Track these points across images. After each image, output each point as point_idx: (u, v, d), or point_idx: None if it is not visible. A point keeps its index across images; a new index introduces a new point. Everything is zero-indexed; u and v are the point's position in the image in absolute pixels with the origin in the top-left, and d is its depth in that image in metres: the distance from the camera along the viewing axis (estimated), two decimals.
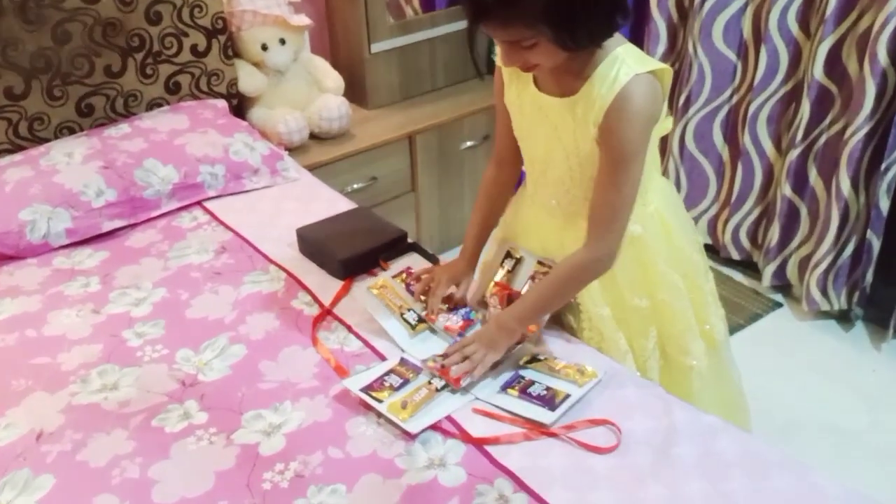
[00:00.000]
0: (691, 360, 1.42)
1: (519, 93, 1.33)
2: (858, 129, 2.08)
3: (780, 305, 2.49)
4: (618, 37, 1.20)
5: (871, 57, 2.00)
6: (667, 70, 1.21)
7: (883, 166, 2.08)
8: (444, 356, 1.32)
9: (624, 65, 1.17)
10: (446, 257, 2.70)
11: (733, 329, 2.35)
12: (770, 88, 2.31)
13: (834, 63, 2.14)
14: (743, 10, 2.31)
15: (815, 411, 2.08)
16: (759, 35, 2.29)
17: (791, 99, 2.31)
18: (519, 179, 1.51)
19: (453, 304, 1.43)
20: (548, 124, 1.29)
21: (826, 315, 2.40)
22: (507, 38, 1.15)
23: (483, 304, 1.45)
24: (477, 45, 1.26)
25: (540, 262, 1.40)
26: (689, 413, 1.22)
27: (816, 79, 2.16)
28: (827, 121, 2.21)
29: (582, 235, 1.29)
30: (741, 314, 2.43)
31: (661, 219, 1.39)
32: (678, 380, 1.43)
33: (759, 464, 1.13)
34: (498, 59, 1.29)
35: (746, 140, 2.40)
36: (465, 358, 1.29)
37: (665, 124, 1.29)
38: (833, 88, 2.17)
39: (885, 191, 2.11)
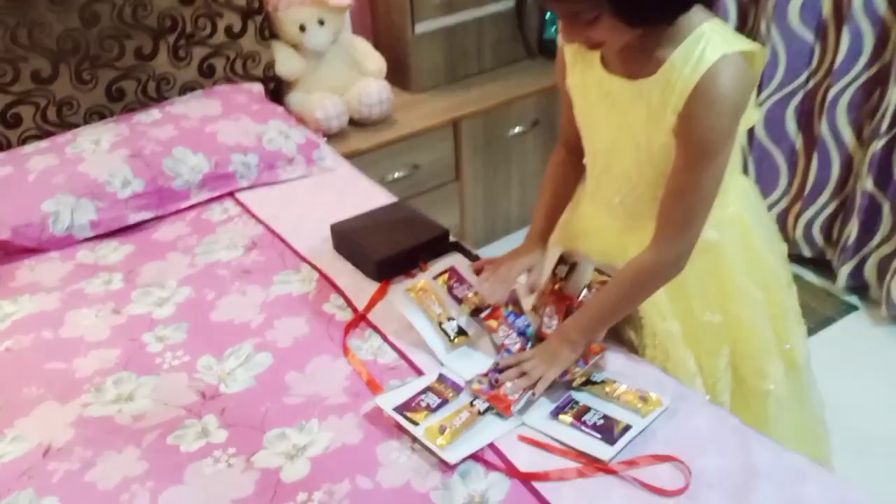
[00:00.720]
0: (768, 383, 1.26)
1: (583, 75, 1.17)
2: None
3: (855, 309, 2.29)
4: (702, 11, 1.03)
5: None
6: (760, 51, 1.04)
7: None
8: (497, 370, 1.18)
9: (710, 43, 1.01)
10: (491, 251, 2.58)
11: None
12: (852, 73, 2.10)
13: None
14: None
15: (891, 425, 1.90)
16: (840, 14, 2.07)
17: (875, 85, 2.09)
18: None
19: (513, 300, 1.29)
20: (615, 111, 1.13)
21: None
22: (565, 10, 1.00)
23: (532, 313, 1.30)
24: (528, 20, 1.10)
25: (598, 270, 1.24)
26: (771, 451, 1.06)
27: None
28: None
29: (648, 239, 1.13)
30: (811, 317, 2.23)
31: (742, 223, 1.22)
32: (752, 405, 1.27)
33: None
34: (559, 36, 1.13)
35: (824, 128, 2.19)
36: (523, 374, 1.15)
37: (752, 115, 1.11)
38: None
39: None
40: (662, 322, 1.22)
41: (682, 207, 1.08)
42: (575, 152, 1.29)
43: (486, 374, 1.20)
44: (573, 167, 1.31)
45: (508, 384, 1.15)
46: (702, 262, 1.16)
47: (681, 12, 1.01)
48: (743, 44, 1.02)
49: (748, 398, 1.28)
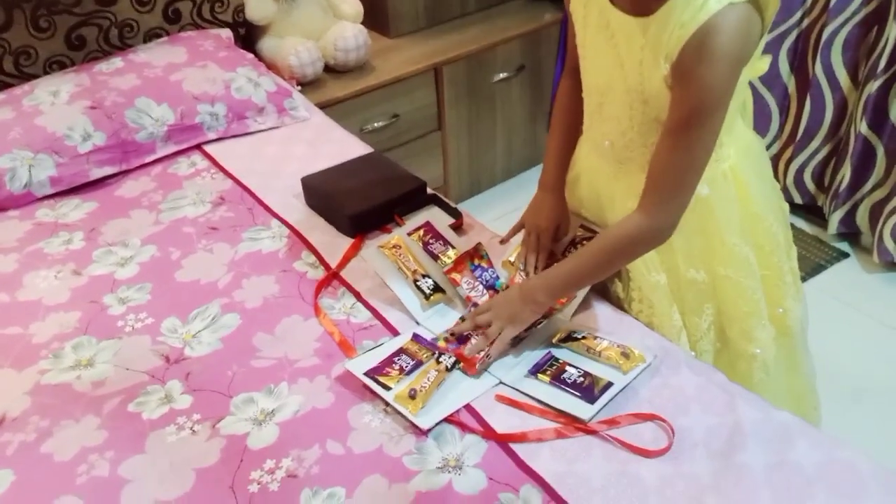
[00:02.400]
0: (754, 347, 1.21)
1: (586, 1, 1.08)
2: None
3: (846, 256, 2.25)
4: None
5: None
6: (771, 0, 0.95)
7: None
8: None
9: None
10: (475, 204, 2.50)
11: None
12: (849, 9, 2.01)
13: None
14: None
15: (888, 373, 1.88)
16: None
17: (873, 22, 2.00)
18: None
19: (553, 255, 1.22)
20: (611, 46, 1.05)
21: None
22: None
23: (508, 264, 1.25)
24: None
25: (583, 227, 1.18)
26: (759, 409, 1.01)
27: None
28: None
29: (637, 188, 1.06)
30: (802, 265, 2.13)
31: (738, 179, 1.15)
32: (738, 368, 1.22)
33: (849, 477, 0.92)
34: None
35: (818, 69, 2.11)
36: (477, 328, 1.10)
37: (760, 64, 1.04)
38: None
39: None
40: (649, 274, 1.16)
41: (671, 171, 1.01)
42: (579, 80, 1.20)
43: (452, 333, 1.15)
44: (580, 97, 1.21)
45: (468, 346, 1.09)
46: (689, 217, 1.08)
47: None
48: None
49: (734, 361, 1.23)
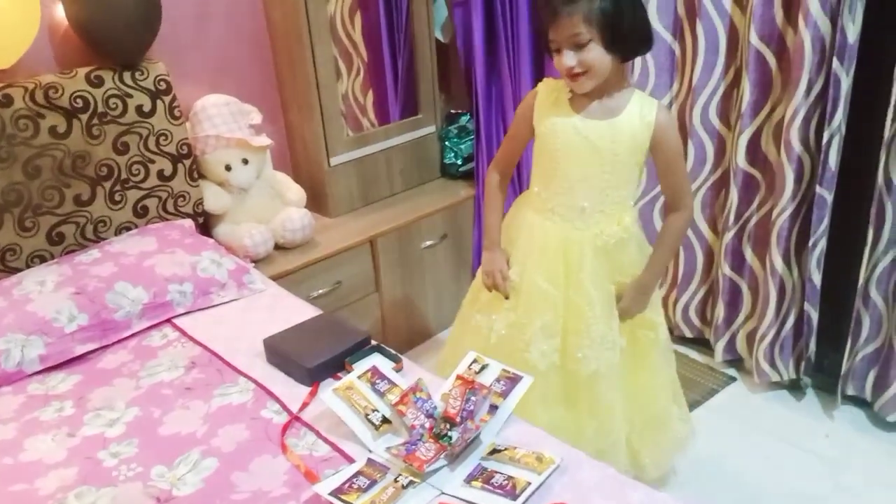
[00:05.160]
0: (655, 333, 1.90)
1: (556, 120, 1.73)
2: (783, 209, 2.26)
3: (734, 380, 2.59)
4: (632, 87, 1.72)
5: (787, 144, 2.19)
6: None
7: (810, 242, 2.25)
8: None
9: (646, 99, 1.70)
10: (415, 354, 2.78)
11: (692, 405, 2.45)
12: (701, 177, 2.50)
13: (755, 151, 2.33)
14: (668, 108, 2.52)
15: (780, 479, 2.15)
16: (685, 130, 2.49)
17: (721, 186, 2.49)
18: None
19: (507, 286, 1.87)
20: (587, 142, 1.70)
21: (778, 385, 2.51)
22: (569, 31, 1.55)
23: (445, 397, 1.53)
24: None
25: (504, 370, 1.52)
26: (642, 492, 1.30)
27: (741, 166, 2.34)
28: (755, 204, 2.39)
29: (598, 235, 1.77)
30: (698, 390, 2.52)
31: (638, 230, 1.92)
32: (642, 350, 1.91)
33: None
34: (539, 94, 1.78)
35: None
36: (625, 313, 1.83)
37: None
38: (757, 174, 2.36)
39: (815, 265, 2.27)
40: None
41: (683, 180, 1.80)
42: (507, 177, 1.93)
43: (403, 444, 1.41)
44: (503, 187, 1.92)
45: (422, 447, 1.36)
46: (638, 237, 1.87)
47: (637, 54, 1.69)
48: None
49: (639, 346, 1.91)
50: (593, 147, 1.70)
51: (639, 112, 1.68)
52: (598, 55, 1.57)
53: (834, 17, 2.03)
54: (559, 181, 1.77)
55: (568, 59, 1.58)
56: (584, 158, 1.72)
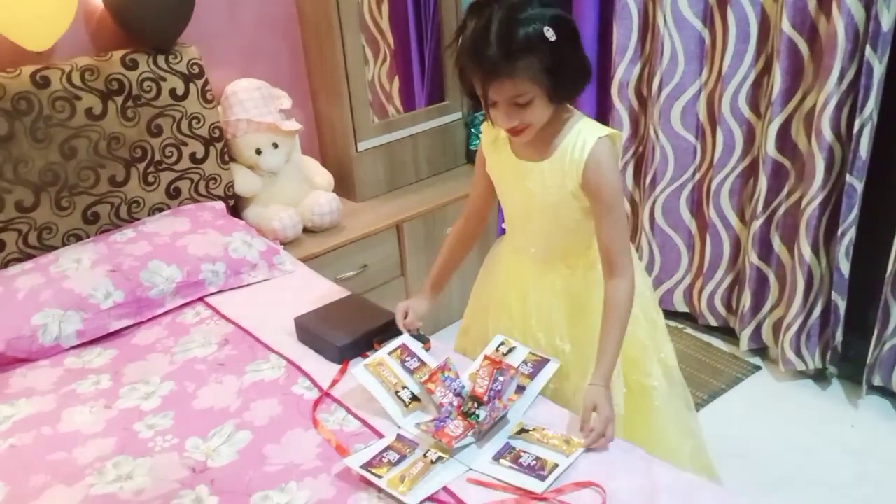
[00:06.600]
0: (653, 381, 1.63)
1: (498, 160, 1.58)
2: (813, 198, 2.25)
3: (758, 368, 2.59)
4: (577, 112, 1.48)
5: (818, 133, 2.18)
6: (618, 133, 1.50)
7: (839, 231, 2.24)
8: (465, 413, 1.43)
9: (586, 132, 1.44)
10: (438, 337, 2.81)
11: (716, 393, 2.45)
12: (729, 165, 2.49)
13: (785, 140, 2.32)
14: (697, 95, 2.51)
15: (804, 467, 2.15)
16: (713, 118, 2.48)
17: (749, 174, 2.48)
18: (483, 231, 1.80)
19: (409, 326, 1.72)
20: (523, 185, 1.53)
21: (803, 375, 2.50)
22: (512, 92, 1.35)
23: (470, 377, 1.55)
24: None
25: (531, 352, 1.55)
26: (669, 471, 1.31)
27: (770, 155, 2.33)
28: (784, 192, 2.38)
29: (554, 274, 1.59)
30: (722, 379, 2.53)
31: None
32: (640, 401, 1.63)
33: None
34: (482, 136, 1.63)
35: (712, 213, 2.56)
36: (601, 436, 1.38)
37: None
38: (786, 163, 2.35)
39: (844, 254, 2.26)
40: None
41: (618, 240, 1.47)
42: (473, 219, 1.73)
43: (432, 421, 1.43)
44: (469, 235, 1.74)
45: (451, 424, 1.38)
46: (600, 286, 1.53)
47: (578, 95, 1.43)
48: (607, 129, 1.45)
49: (636, 396, 1.63)
50: (527, 191, 1.51)
51: (573, 147, 1.43)
52: (540, 109, 1.38)
53: (868, 5, 2.01)
54: (510, 223, 1.66)
55: (509, 119, 1.38)
56: (523, 202, 1.56)
